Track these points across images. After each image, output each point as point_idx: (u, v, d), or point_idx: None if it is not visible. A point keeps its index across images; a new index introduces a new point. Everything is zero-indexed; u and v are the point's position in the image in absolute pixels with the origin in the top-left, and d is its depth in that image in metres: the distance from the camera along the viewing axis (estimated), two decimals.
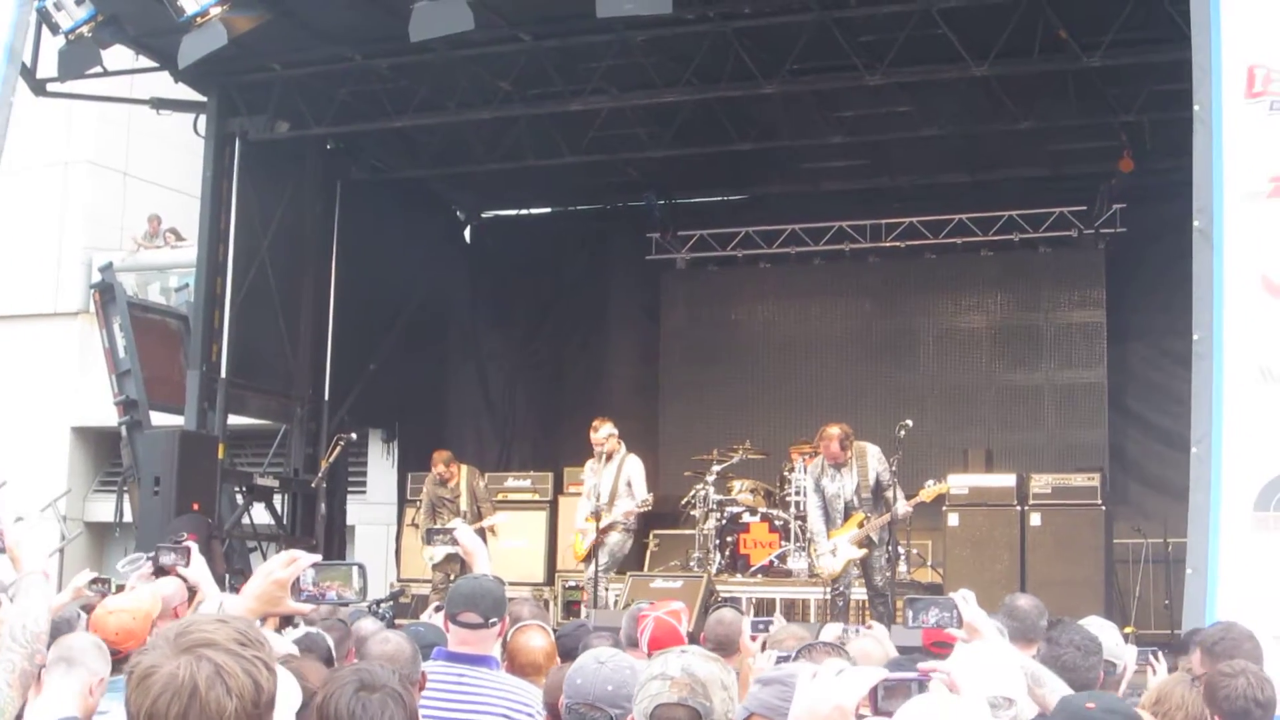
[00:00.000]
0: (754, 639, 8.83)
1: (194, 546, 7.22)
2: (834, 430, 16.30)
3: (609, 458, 17.75)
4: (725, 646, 8.42)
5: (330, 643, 7.63)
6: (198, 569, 7.12)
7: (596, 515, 17.53)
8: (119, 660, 6.26)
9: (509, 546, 20.17)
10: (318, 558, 4.90)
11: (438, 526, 18.10)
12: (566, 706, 5.29)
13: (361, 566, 4.91)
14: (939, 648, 7.05)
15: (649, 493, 17.79)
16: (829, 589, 16.54)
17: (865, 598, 16.67)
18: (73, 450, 27.48)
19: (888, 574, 16.36)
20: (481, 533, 18.77)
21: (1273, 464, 11.20)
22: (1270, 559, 11.08)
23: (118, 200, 28.94)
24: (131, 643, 6.66)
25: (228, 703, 3.07)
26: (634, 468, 17.78)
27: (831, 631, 8.73)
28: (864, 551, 16.10)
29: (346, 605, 7.17)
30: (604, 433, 17.73)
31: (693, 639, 8.95)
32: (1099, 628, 6.85)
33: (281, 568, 4.79)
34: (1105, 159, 20.91)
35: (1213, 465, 11.24)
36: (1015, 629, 7.59)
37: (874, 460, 16.27)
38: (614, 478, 17.67)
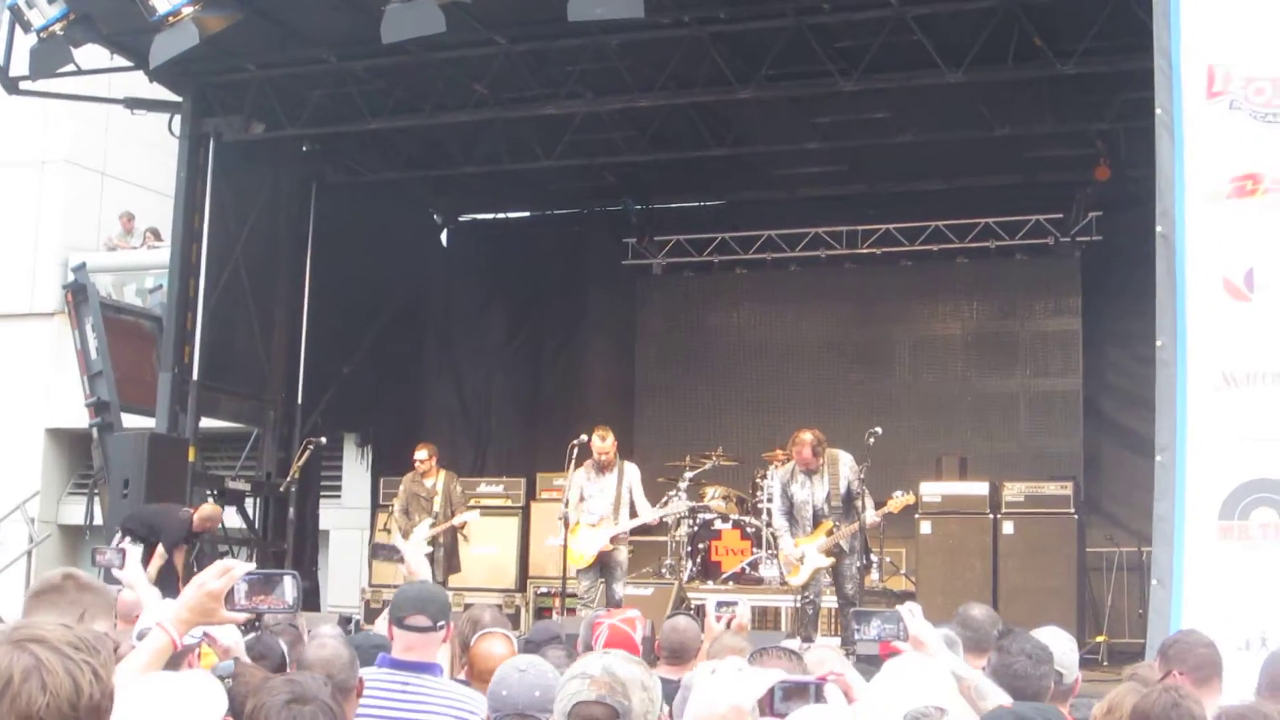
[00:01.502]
0: (719, 619, 8.83)
1: (131, 549, 7.16)
2: (807, 435, 16.17)
3: (609, 468, 17.54)
4: (681, 654, 8.38)
5: (284, 647, 7.57)
6: (132, 572, 7.06)
7: (566, 522, 17.37)
8: None
9: (480, 552, 20.12)
10: (251, 567, 4.85)
11: (386, 544, 18.05)
12: None
13: (295, 576, 4.84)
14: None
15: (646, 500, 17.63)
16: (799, 597, 16.45)
17: (836, 606, 16.60)
18: (46, 452, 27.33)
19: (859, 582, 16.30)
20: (453, 533, 18.81)
21: (1237, 471, 11.15)
22: (1235, 568, 11.02)
23: (94, 200, 28.81)
24: None
25: (39, 697, 3.03)
26: (634, 476, 17.57)
27: (793, 641, 8.69)
28: (831, 560, 15.98)
29: (279, 615, 7.12)
30: (610, 442, 17.48)
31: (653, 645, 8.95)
32: (1052, 637, 6.80)
33: (215, 579, 4.75)
34: (1081, 166, 20.91)
35: (1177, 474, 11.19)
36: (969, 639, 7.54)
37: (846, 468, 16.15)
38: (616, 487, 17.44)
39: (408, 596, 6.94)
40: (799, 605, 16.51)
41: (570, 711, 4.33)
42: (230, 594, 4.77)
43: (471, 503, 19.81)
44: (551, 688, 5.04)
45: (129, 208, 28.39)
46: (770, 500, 18.15)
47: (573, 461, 18.06)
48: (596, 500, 17.30)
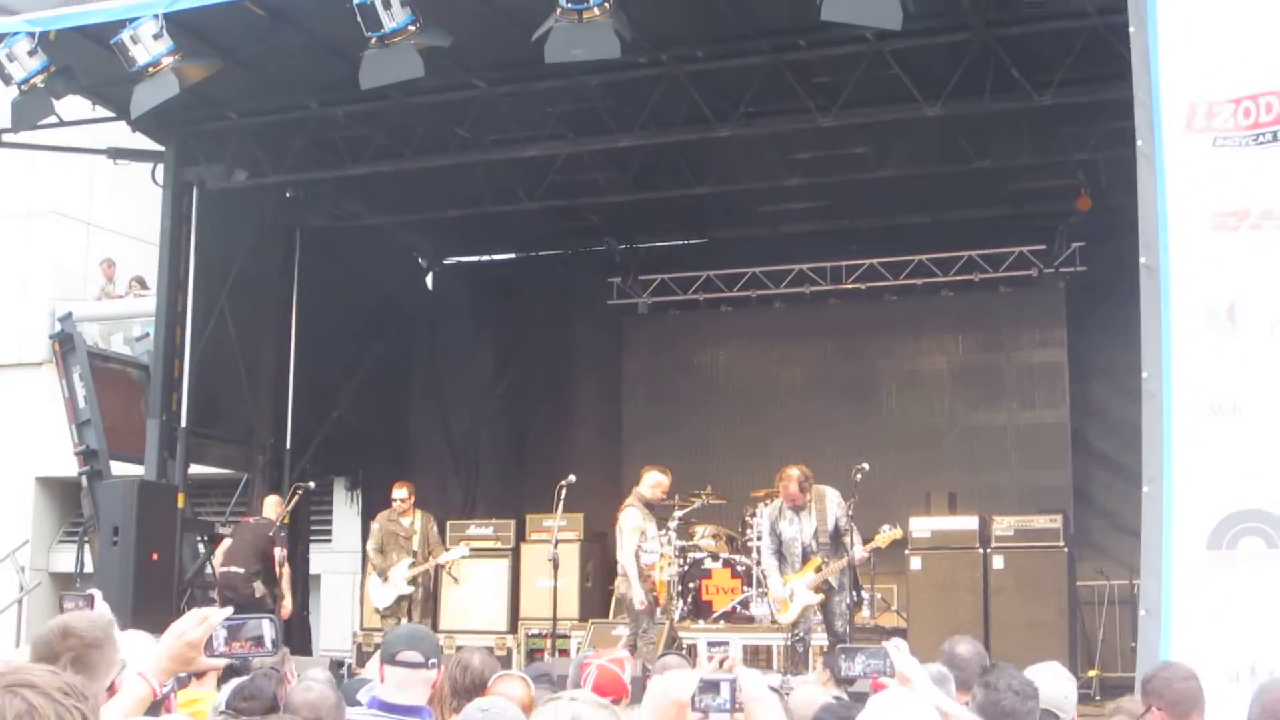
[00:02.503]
0: (710, 659, 8.82)
1: (98, 595, 7.16)
2: (793, 471, 16.12)
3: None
4: None
5: (274, 690, 7.56)
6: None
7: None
8: None
9: (470, 594, 20.11)
10: (229, 613, 4.86)
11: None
12: None
13: (273, 620, 4.85)
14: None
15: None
16: (789, 635, 16.40)
17: (826, 643, 16.54)
18: (37, 500, 27.32)
19: (849, 619, 16.27)
20: (437, 574, 18.87)
21: (1226, 501, 11.16)
22: (1225, 598, 11.02)
23: (81, 250, 28.85)
24: None
25: None
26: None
27: (775, 679, 8.69)
28: (820, 597, 15.93)
29: (257, 660, 7.11)
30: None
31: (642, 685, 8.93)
32: (1053, 676, 6.77)
33: (194, 627, 4.75)
34: (1063, 198, 21.01)
35: (1164, 505, 11.19)
36: (958, 677, 7.54)
37: (833, 504, 16.11)
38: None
39: (400, 634, 6.95)
40: (789, 643, 16.46)
41: None
42: (209, 641, 4.77)
43: (461, 542, 19.87)
44: None
45: (116, 257, 28.40)
46: (759, 538, 18.19)
47: (561, 502, 18.05)
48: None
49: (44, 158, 23.35)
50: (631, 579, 16.38)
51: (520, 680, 8.03)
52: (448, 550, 19.12)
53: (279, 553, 19.24)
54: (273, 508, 19.72)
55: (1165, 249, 11.42)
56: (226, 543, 19.71)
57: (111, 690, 4.97)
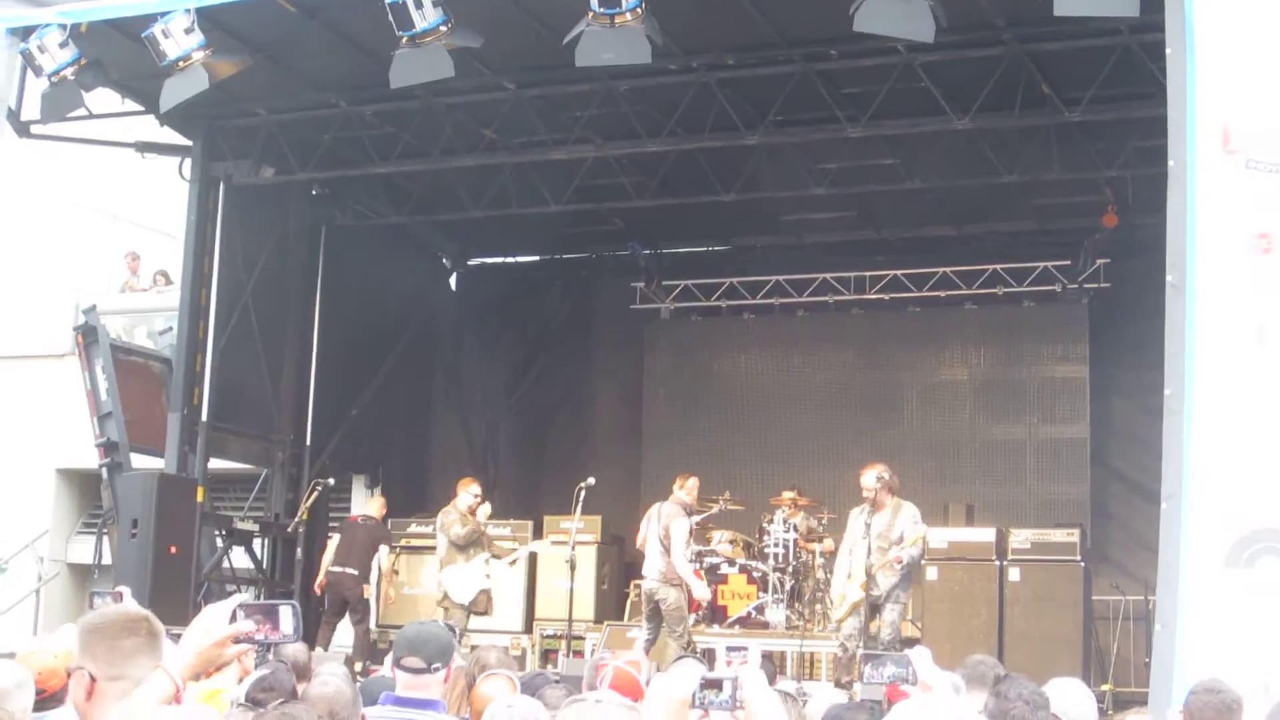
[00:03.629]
0: (729, 663, 8.82)
1: (127, 591, 7.20)
2: (867, 470, 16.75)
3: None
4: None
5: (293, 682, 7.61)
6: None
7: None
8: (43, 699, 6.20)
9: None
10: (244, 598, 4.86)
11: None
12: None
13: (294, 605, 4.84)
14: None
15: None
16: (838, 640, 16.62)
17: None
18: (57, 491, 27.41)
19: (896, 630, 16.58)
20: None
21: (1245, 519, 11.19)
22: (1241, 616, 11.05)
23: (105, 242, 28.95)
24: (54, 681, 6.60)
25: None
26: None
27: (790, 684, 8.71)
28: (861, 596, 16.15)
29: (276, 646, 7.14)
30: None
31: None
32: (1069, 690, 6.77)
33: (220, 625, 4.76)
34: (1089, 214, 20.99)
35: (1182, 520, 11.23)
36: (967, 674, 7.58)
37: (907, 518, 16.50)
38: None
39: (406, 637, 6.99)
40: (838, 649, 16.64)
41: None
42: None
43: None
44: None
45: (139, 250, 28.49)
46: (778, 546, 18.44)
47: (580, 504, 18.12)
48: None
49: (70, 150, 23.41)
50: (690, 582, 17.23)
51: (505, 679, 8.06)
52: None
53: (384, 552, 20.05)
54: (378, 508, 20.52)
55: (1193, 269, 11.45)
56: (335, 540, 20.21)
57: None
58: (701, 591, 17.46)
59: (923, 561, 18.20)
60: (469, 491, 19.16)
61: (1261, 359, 11.35)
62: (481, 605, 18.85)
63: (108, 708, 4.90)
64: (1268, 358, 11.33)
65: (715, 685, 4.28)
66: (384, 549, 20.23)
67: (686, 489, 17.71)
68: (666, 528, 17.36)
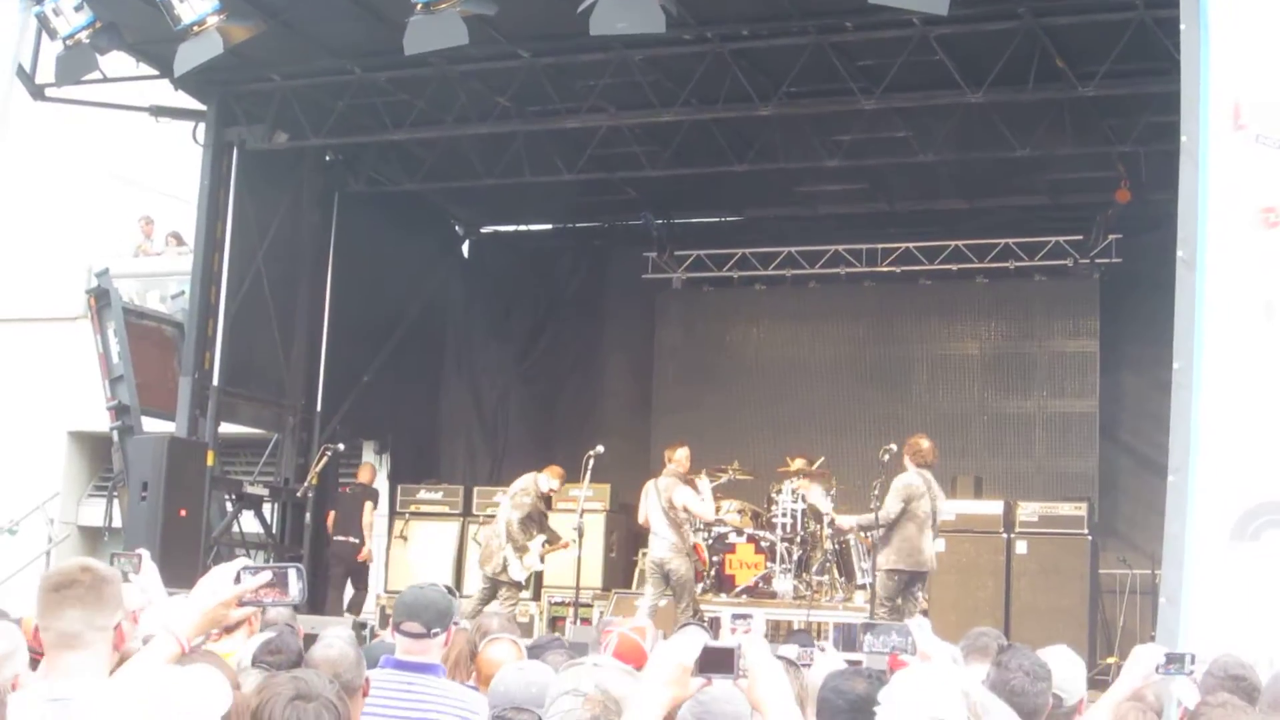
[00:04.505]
0: (734, 630, 8.86)
1: (146, 554, 7.23)
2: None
3: None
4: None
5: (300, 645, 7.65)
6: (148, 577, 7.13)
7: None
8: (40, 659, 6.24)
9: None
10: (249, 561, 4.88)
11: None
12: (494, 716, 5.29)
13: (300, 569, 4.85)
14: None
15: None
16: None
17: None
18: (69, 454, 27.51)
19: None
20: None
21: (1251, 493, 11.21)
22: (1246, 589, 11.07)
23: (119, 205, 28.98)
24: None
25: None
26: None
27: (791, 650, 8.72)
28: None
29: (283, 607, 7.20)
30: None
31: None
32: (1059, 657, 6.79)
33: (226, 585, 4.79)
34: (1102, 189, 20.96)
35: (1189, 494, 11.24)
36: (966, 646, 7.61)
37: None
38: None
39: (405, 602, 7.06)
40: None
41: None
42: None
43: (487, 510, 20.10)
44: (548, 685, 5.10)
45: (153, 214, 28.52)
46: (786, 515, 18.54)
47: (589, 472, 18.17)
48: None
49: (84, 114, 23.43)
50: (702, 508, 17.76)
51: (510, 643, 8.10)
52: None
53: (367, 509, 20.78)
54: (367, 474, 21.45)
55: (1203, 244, 11.46)
56: (333, 514, 20.97)
57: (118, 633, 5.02)
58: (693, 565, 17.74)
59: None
60: (556, 476, 18.87)
61: (1269, 334, 11.37)
62: (528, 584, 19.20)
63: (55, 662, 4.90)
64: (1275, 332, 11.34)
65: (718, 655, 4.29)
66: (367, 505, 20.85)
67: (676, 460, 17.84)
68: (670, 499, 17.45)
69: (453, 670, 7.79)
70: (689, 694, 4.33)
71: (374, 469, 21.99)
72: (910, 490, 16.39)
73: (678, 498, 17.46)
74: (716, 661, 4.27)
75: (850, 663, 6.95)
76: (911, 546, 16.31)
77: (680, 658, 4.22)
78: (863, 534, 17.71)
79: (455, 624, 7.40)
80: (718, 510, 19.13)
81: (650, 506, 17.71)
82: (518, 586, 18.49)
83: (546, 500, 19.53)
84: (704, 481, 17.99)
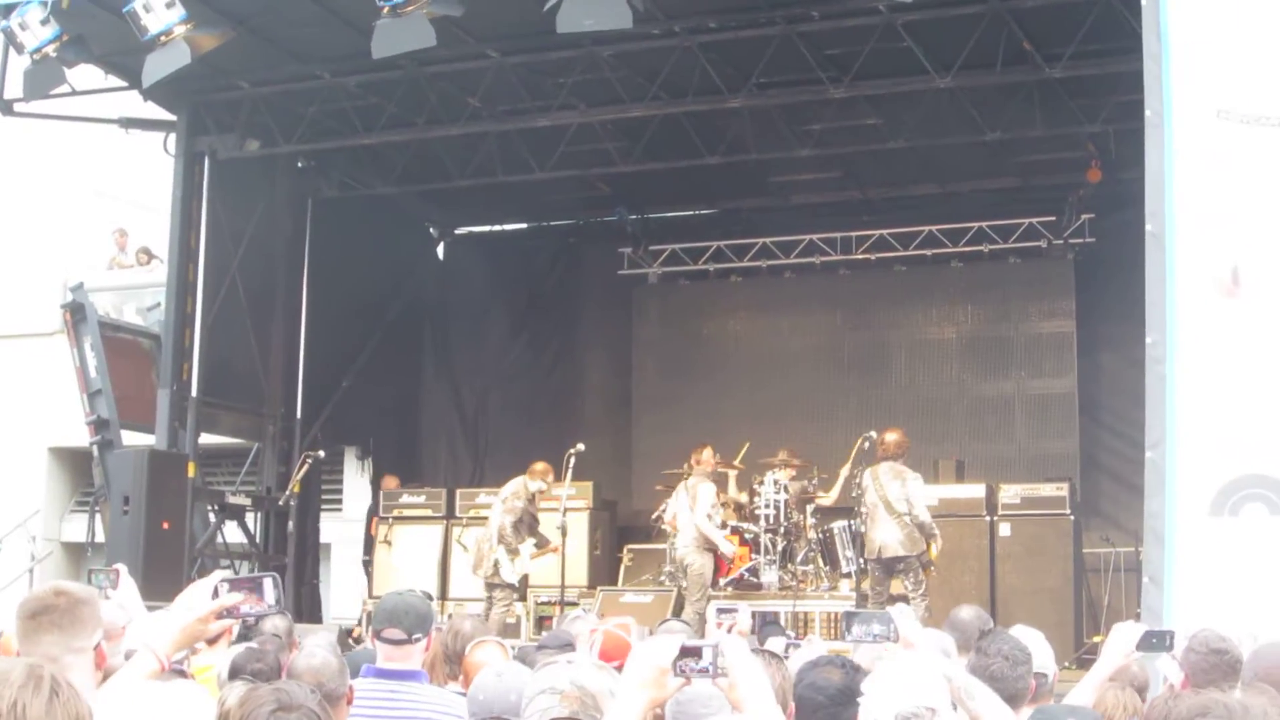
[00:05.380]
0: (719, 625, 8.91)
1: (123, 569, 7.24)
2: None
3: None
4: None
5: (277, 654, 7.65)
6: (126, 593, 7.13)
7: None
8: None
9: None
10: (226, 574, 4.91)
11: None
12: None
13: (275, 577, 4.89)
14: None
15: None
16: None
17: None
18: (50, 470, 27.48)
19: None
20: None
21: (1229, 466, 11.23)
22: (1227, 565, 11.09)
23: (92, 219, 28.93)
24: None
25: None
26: None
27: (776, 644, 8.74)
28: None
29: (261, 618, 7.20)
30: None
31: None
32: (1026, 638, 6.82)
33: (204, 602, 4.80)
34: (1073, 169, 21.03)
35: (1168, 471, 11.25)
36: (959, 640, 7.62)
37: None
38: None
39: (384, 609, 7.04)
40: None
41: None
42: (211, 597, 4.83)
43: (470, 513, 20.10)
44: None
45: (125, 226, 28.46)
46: (769, 507, 18.57)
47: (570, 470, 18.20)
48: None
49: (56, 127, 23.40)
50: (716, 540, 17.79)
51: (496, 645, 8.11)
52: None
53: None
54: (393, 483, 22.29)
55: (1171, 216, 11.49)
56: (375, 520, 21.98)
57: (98, 653, 5.01)
58: (729, 548, 17.93)
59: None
60: (546, 478, 18.74)
61: (1235, 300, 11.40)
62: (524, 585, 19.09)
63: None
64: (1242, 299, 11.38)
65: (694, 653, 4.27)
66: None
67: (704, 461, 18.18)
68: (695, 493, 17.80)
69: (430, 674, 7.80)
70: (668, 695, 4.31)
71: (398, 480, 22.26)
72: (859, 487, 17.42)
73: (700, 492, 17.80)
74: (695, 659, 4.26)
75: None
76: (866, 537, 17.24)
77: (657, 659, 4.21)
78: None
79: (438, 629, 7.42)
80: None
81: (680, 505, 18.05)
82: (511, 588, 18.48)
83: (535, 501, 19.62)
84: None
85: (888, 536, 16.84)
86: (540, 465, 18.83)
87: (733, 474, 19.44)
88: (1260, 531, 10.99)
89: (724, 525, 18.25)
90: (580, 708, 4.34)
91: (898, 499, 16.90)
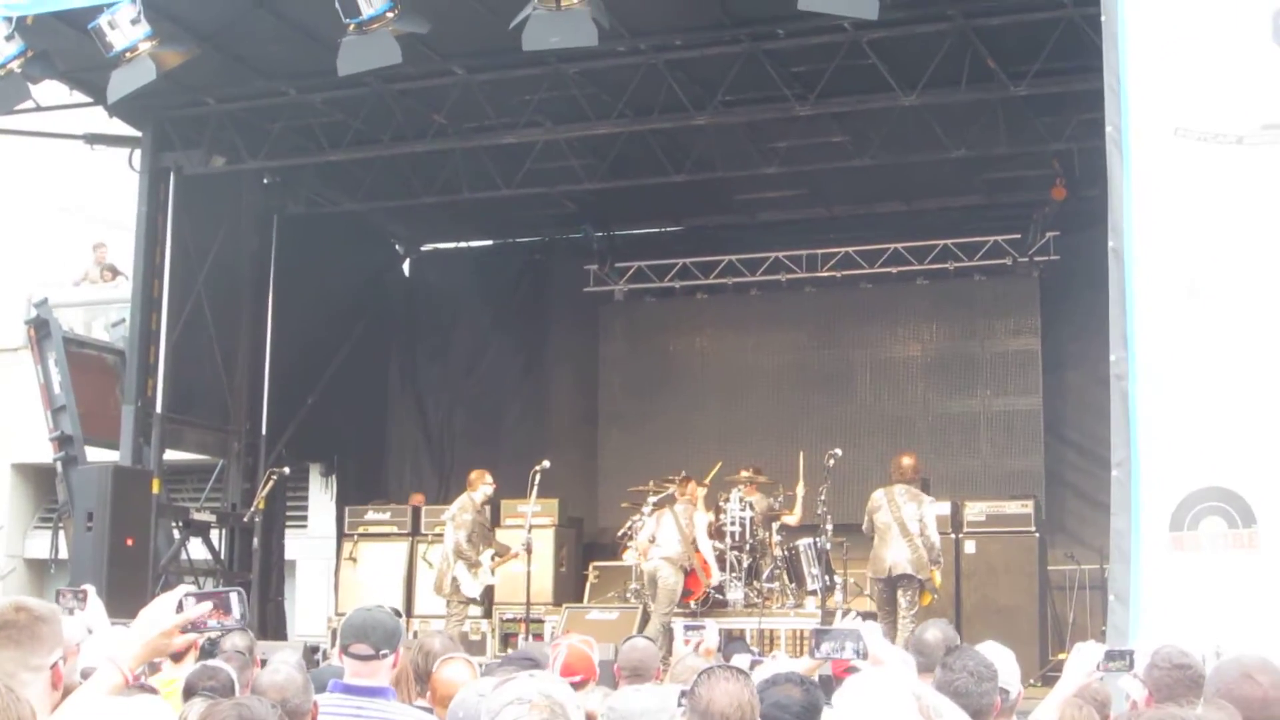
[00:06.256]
0: (686, 642, 8.92)
1: (92, 590, 7.22)
2: None
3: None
4: (641, 673, 8.46)
5: (232, 674, 7.64)
6: (93, 612, 7.10)
7: None
8: None
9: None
10: (191, 588, 4.89)
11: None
12: None
13: (240, 592, 4.87)
14: (848, 674, 7.08)
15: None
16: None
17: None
18: (12, 486, 27.36)
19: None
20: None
21: (1186, 479, 11.27)
22: (1188, 581, 11.13)
23: (61, 235, 28.86)
24: None
25: None
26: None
27: (741, 660, 8.74)
28: None
29: (226, 632, 7.19)
30: None
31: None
32: (992, 653, 6.84)
33: (167, 616, 4.79)
34: (1038, 187, 21.11)
35: (1133, 488, 11.30)
36: (921, 663, 7.62)
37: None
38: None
39: (352, 624, 7.00)
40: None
41: None
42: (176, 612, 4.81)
43: (435, 529, 20.00)
44: None
45: (92, 241, 28.39)
46: (735, 524, 18.68)
47: (535, 487, 18.22)
48: None
49: (21, 143, 23.35)
50: (713, 568, 18.32)
51: (465, 662, 8.09)
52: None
53: None
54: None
55: (1129, 232, 11.56)
56: None
57: (55, 672, 4.97)
58: (716, 576, 18.36)
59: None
60: (486, 483, 18.97)
61: (1192, 314, 11.47)
62: (483, 600, 19.08)
63: None
64: (1199, 312, 11.45)
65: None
66: None
67: (689, 494, 18.38)
68: (690, 520, 18.16)
69: (397, 690, 7.77)
70: None
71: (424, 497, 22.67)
72: (870, 504, 17.48)
73: (699, 524, 18.21)
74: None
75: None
76: (874, 555, 17.34)
77: None
78: None
79: (406, 647, 7.40)
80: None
81: (666, 524, 18.18)
82: (468, 603, 18.47)
83: (493, 509, 19.63)
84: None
85: (899, 556, 17.03)
86: (473, 474, 19.15)
87: (701, 492, 19.43)
88: (1220, 546, 11.03)
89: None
90: (550, 715, 4.31)
91: (912, 519, 17.14)
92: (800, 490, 18.82)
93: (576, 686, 6.77)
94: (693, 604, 18.38)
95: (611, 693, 6.60)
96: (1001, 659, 6.72)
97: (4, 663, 4.79)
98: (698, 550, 18.08)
